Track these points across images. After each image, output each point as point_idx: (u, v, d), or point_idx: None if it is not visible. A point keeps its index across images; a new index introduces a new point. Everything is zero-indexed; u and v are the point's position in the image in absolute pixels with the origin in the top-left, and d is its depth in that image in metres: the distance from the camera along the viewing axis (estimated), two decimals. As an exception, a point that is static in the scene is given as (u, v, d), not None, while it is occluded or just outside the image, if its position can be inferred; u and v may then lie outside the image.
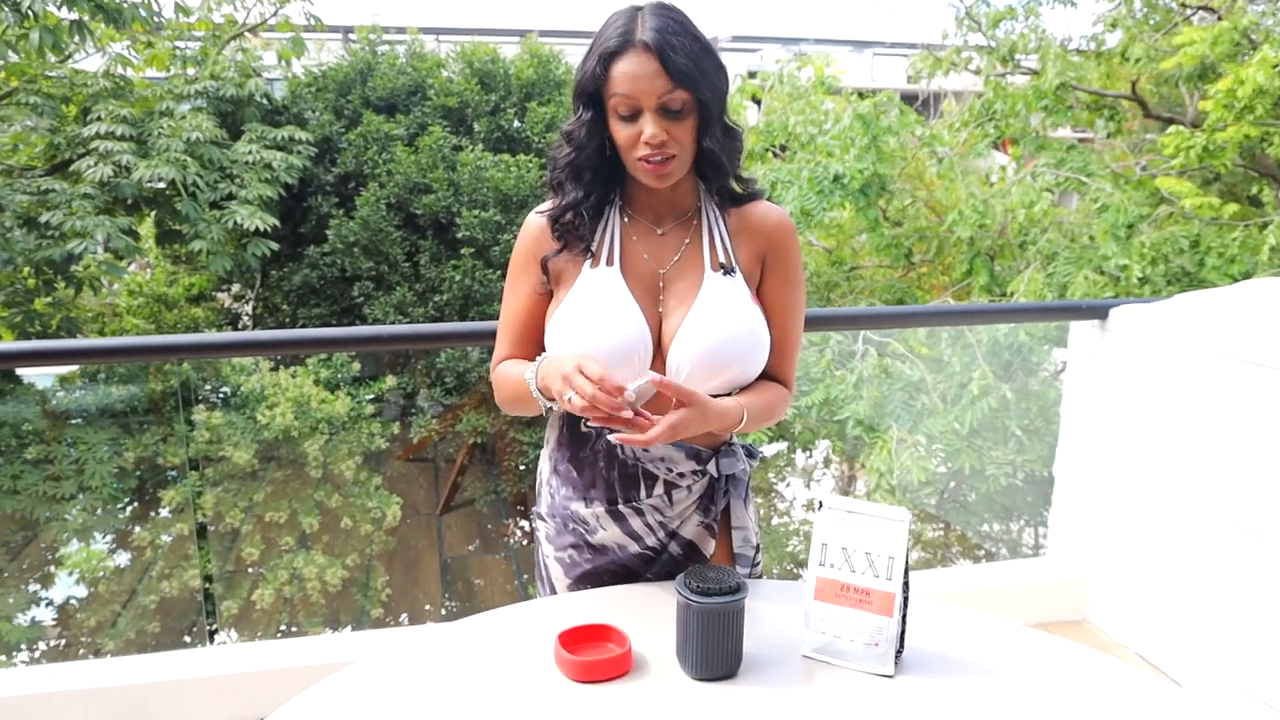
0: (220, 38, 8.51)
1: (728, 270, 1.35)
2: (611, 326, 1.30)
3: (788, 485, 7.45)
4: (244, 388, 6.36)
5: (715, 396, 1.31)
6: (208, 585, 5.10)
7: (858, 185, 6.05)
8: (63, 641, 5.81)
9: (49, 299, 7.38)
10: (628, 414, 1.16)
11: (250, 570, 6.11)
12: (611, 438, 1.21)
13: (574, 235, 1.35)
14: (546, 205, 1.39)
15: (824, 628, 1.18)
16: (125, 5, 6.40)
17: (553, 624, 1.21)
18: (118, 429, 5.95)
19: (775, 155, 7.45)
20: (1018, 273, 6.25)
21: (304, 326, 8.51)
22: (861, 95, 6.63)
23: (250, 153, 7.76)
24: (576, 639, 1.18)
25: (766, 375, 1.42)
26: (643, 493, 1.40)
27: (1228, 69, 5.55)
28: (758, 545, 1.46)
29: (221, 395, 6.63)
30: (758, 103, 8.09)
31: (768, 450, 6.54)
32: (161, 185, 7.45)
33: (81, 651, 5.76)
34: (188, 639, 5.93)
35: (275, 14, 8.53)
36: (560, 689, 1.12)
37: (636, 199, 1.38)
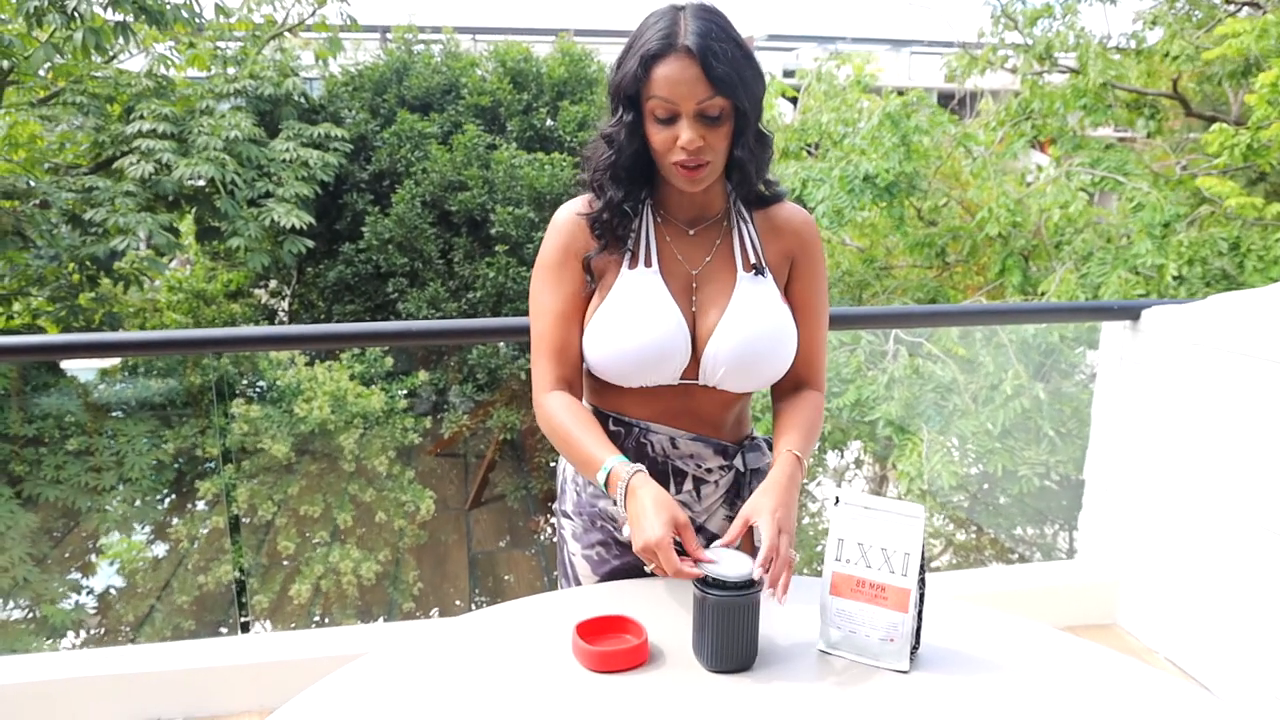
0: (259, 38, 8.65)
1: (759, 271, 1.36)
2: (653, 327, 1.30)
3: (819, 485, 7.42)
4: (280, 382, 6.46)
5: (733, 402, 1.35)
6: (241, 578, 5.19)
7: (885, 183, 6.01)
8: (102, 630, 5.94)
9: (93, 294, 7.55)
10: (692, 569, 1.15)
11: (285, 563, 6.20)
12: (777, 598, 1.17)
13: (613, 235, 1.35)
14: (577, 204, 1.39)
15: (840, 622, 1.19)
16: (168, 7, 6.53)
17: (571, 615, 1.22)
18: (156, 421, 6.07)
19: (809, 153, 7.43)
20: (1052, 273, 6.17)
21: (339, 322, 8.62)
22: (900, 94, 6.58)
23: (287, 150, 7.87)
24: (594, 630, 1.19)
25: (798, 379, 1.43)
26: (672, 489, 1.41)
27: (1273, 63, 5.42)
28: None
29: (258, 390, 6.74)
30: (791, 101, 8.06)
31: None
32: (201, 183, 7.59)
33: (120, 640, 5.88)
34: (223, 630, 6.03)
35: (313, 14, 8.64)
36: (577, 678, 1.14)
37: (669, 200, 1.38)
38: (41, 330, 7.09)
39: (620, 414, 1.41)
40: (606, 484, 1.24)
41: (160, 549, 6.25)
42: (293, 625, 6.24)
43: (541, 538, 8.36)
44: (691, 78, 1.20)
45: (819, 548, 6.75)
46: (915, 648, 1.19)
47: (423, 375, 7.99)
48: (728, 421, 1.43)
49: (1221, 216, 5.91)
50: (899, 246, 7.45)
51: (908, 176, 6.15)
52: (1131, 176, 5.99)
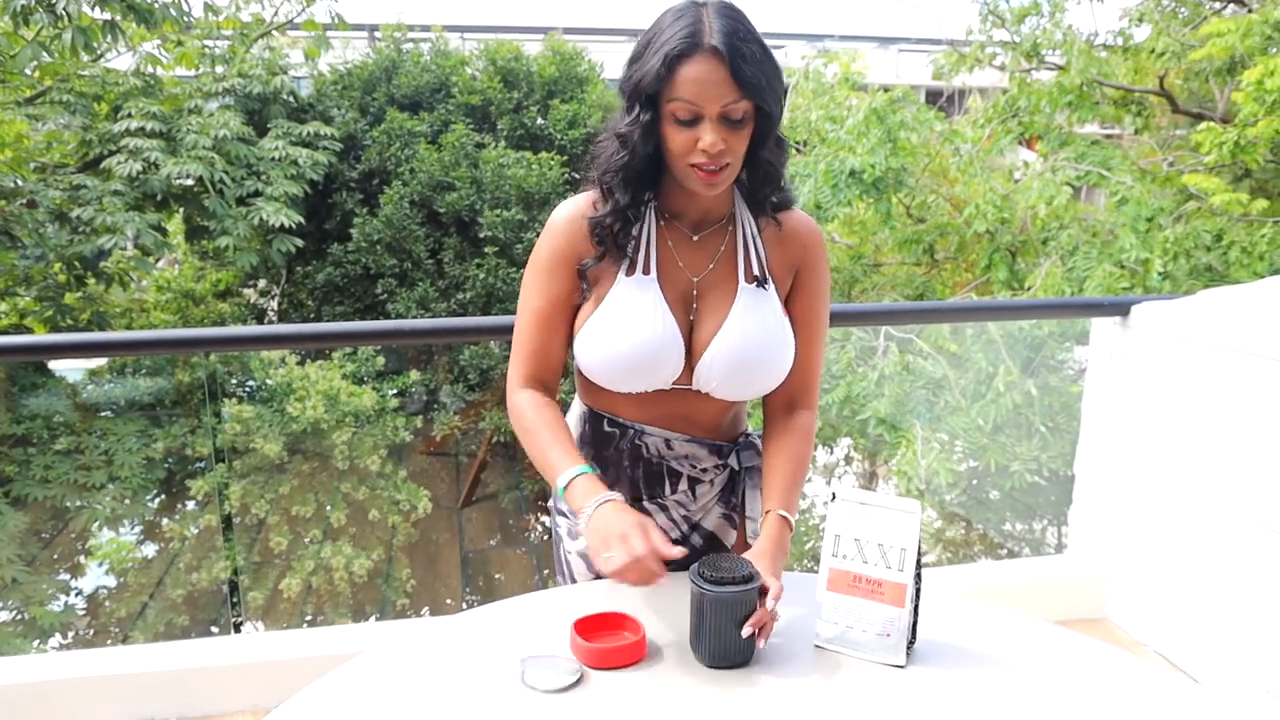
0: (248, 36, 8.61)
1: (761, 282, 1.33)
2: (645, 337, 1.27)
3: (809, 481, 7.44)
4: (270, 381, 6.44)
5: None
6: (234, 576, 5.18)
7: (871, 179, 6.02)
8: (91, 631, 5.91)
9: (79, 294, 7.50)
10: (664, 580, 1.14)
11: (277, 560, 6.19)
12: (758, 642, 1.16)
13: (614, 241, 1.30)
14: (580, 203, 1.34)
15: (836, 618, 1.20)
16: (156, 5, 6.49)
17: (568, 611, 1.23)
18: (146, 421, 6.05)
19: (797, 150, 7.44)
20: (1038, 268, 6.21)
21: (328, 322, 8.59)
22: (887, 91, 6.60)
23: (276, 149, 7.84)
24: (592, 626, 1.20)
25: (791, 395, 1.40)
26: (668, 489, 1.41)
27: (1258, 61, 5.46)
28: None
29: (248, 389, 6.72)
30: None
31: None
32: (189, 182, 7.56)
33: (110, 641, 5.86)
34: (214, 629, 6.01)
35: (301, 13, 8.61)
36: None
37: (674, 203, 1.33)
38: (28, 330, 7.05)
39: (614, 415, 1.40)
40: (565, 492, 1.25)
41: (150, 549, 6.22)
42: (285, 624, 6.23)
43: (532, 536, 8.36)
44: (719, 79, 1.15)
45: (808, 545, 6.77)
46: (911, 642, 1.20)
47: (414, 375, 7.99)
48: (723, 424, 1.42)
49: (1207, 211, 5.95)
50: (888, 243, 7.47)
51: (895, 172, 6.16)
52: (1116, 171, 6.02)
